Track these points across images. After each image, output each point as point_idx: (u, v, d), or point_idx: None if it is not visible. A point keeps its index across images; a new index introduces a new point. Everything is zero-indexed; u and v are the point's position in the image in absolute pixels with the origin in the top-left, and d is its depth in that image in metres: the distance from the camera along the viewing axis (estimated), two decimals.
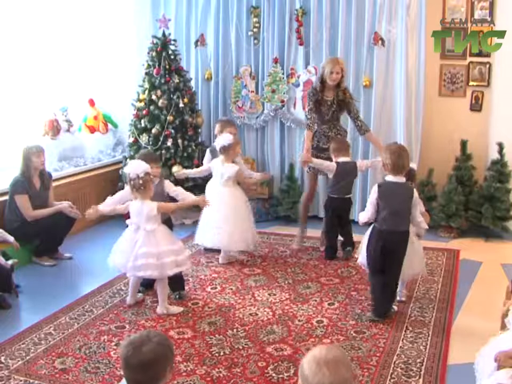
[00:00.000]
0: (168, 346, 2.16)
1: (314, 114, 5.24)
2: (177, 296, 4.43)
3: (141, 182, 4.06)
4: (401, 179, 3.96)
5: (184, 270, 4.42)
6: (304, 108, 6.36)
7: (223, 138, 5.13)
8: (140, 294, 4.44)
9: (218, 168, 5.18)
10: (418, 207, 4.00)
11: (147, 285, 4.53)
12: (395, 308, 4.19)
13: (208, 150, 5.59)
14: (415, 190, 3.99)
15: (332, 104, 5.24)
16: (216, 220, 5.07)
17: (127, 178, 4.21)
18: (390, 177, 3.96)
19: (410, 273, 4.22)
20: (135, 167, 4.10)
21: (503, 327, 3.17)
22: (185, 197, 4.56)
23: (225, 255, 5.24)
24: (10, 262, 4.47)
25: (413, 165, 4.38)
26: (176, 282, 4.42)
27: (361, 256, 4.24)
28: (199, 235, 5.25)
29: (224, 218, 5.07)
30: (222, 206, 5.06)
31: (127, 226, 6.15)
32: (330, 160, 5.22)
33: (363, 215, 4.09)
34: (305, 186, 5.99)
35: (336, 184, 5.21)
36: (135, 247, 4.10)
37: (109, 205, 4.38)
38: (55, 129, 6.18)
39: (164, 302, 4.20)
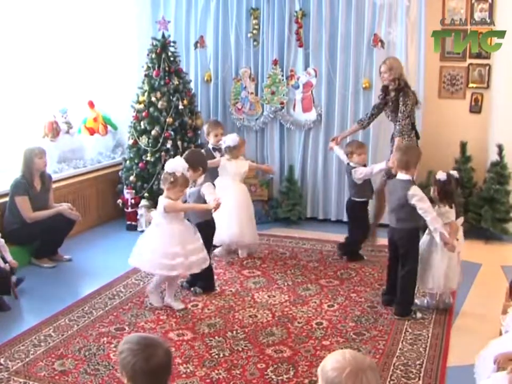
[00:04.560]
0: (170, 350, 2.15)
1: (374, 111, 5.54)
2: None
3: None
4: (405, 176, 4.04)
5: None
6: (304, 111, 6.40)
7: (230, 139, 5.27)
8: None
9: (230, 166, 5.31)
10: (421, 205, 3.91)
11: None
12: (419, 314, 4.15)
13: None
14: (414, 187, 3.98)
15: (390, 103, 5.31)
16: (230, 216, 5.16)
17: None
18: (398, 175, 4.12)
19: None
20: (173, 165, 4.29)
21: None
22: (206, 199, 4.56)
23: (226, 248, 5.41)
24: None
25: (454, 172, 4.24)
26: None
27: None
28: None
29: (237, 214, 5.25)
30: (235, 202, 5.22)
31: (127, 228, 6.22)
32: None
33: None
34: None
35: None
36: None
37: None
38: (54, 131, 6.17)
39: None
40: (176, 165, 4.23)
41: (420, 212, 3.93)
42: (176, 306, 4.30)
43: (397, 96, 5.18)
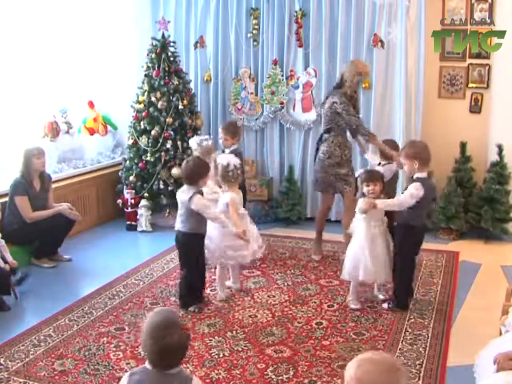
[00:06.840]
0: None
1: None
2: (196, 310, 4.26)
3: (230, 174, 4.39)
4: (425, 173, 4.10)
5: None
6: (304, 111, 6.39)
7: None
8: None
9: None
10: None
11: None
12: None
13: None
14: None
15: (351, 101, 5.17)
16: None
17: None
18: (421, 174, 4.06)
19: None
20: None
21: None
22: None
23: None
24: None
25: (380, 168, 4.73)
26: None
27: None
28: None
29: None
30: None
31: (127, 228, 6.22)
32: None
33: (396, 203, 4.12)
34: (320, 204, 5.60)
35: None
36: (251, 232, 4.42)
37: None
38: (54, 131, 6.17)
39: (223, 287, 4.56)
40: (234, 159, 4.46)
41: None
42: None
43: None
